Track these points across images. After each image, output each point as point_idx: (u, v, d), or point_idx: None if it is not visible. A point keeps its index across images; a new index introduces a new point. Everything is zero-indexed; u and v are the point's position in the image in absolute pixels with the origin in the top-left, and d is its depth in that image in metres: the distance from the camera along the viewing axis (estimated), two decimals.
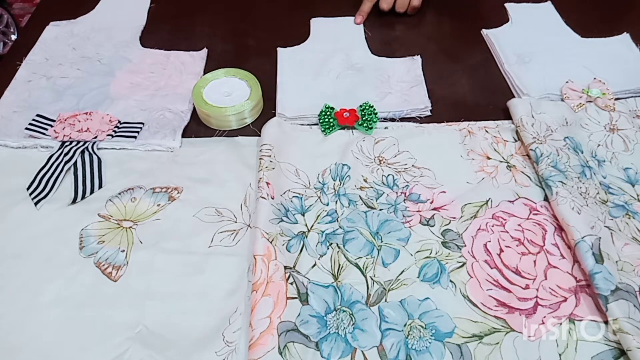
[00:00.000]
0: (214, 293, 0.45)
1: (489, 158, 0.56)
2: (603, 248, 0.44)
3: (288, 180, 0.53)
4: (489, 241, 0.48)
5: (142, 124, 0.59)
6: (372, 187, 0.53)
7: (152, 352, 0.41)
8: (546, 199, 0.51)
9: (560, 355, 0.41)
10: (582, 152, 0.55)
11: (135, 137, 0.57)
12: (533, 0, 0.77)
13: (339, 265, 0.46)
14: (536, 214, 0.50)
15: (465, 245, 0.48)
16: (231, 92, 0.61)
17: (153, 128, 0.58)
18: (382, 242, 0.48)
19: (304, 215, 0.50)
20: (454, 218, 0.50)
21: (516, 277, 0.46)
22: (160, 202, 0.52)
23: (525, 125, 0.56)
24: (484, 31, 0.73)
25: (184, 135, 0.58)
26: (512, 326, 0.42)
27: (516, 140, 0.58)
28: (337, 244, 0.48)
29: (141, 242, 0.49)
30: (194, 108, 0.61)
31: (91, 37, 0.72)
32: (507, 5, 0.77)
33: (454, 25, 0.76)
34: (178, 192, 0.53)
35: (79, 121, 0.57)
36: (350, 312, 0.43)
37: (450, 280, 0.45)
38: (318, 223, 0.50)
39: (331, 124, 0.58)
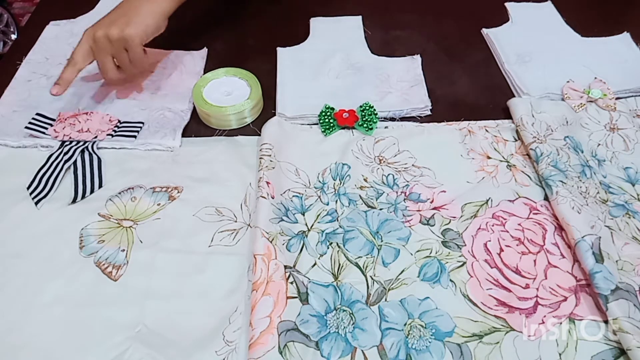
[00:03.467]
0: (214, 292, 0.45)
1: (489, 157, 0.56)
2: (603, 247, 0.44)
3: (288, 179, 0.53)
4: (489, 240, 0.48)
5: (142, 123, 0.59)
6: (372, 187, 0.53)
7: (152, 351, 0.41)
8: (546, 198, 0.51)
9: (560, 354, 0.41)
10: (582, 152, 0.55)
11: (135, 136, 0.57)
12: None
13: (339, 264, 0.46)
14: (536, 214, 0.50)
15: (465, 245, 0.48)
16: (231, 91, 0.61)
17: (153, 127, 0.59)
18: (382, 241, 0.48)
19: (304, 214, 0.50)
20: (454, 217, 0.50)
21: (516, 277, 0.46)
22: (161, 201, 0.52)
23: (525, 125, 0.56)
24: (484, 31, 0.73)
25: (184, 135, 0.58)
26: (512, 326, 0.42)
27: (516, 140, 0.58)
28: (337, 244, 0.48)
29: (141, 242, 0.49)
30: (194, 107, 0.61)
31: None
32: (507, 4, 0.77)
33: (454, 25, 0.76)
34: (178, 192, 0.53)
35: (79, 121, 0.57)
36: (351, 312, 0.43)
37: (451, 280, 0.45)
38: (318, 222, 0.50)
39: (331, 125, 0.58)
